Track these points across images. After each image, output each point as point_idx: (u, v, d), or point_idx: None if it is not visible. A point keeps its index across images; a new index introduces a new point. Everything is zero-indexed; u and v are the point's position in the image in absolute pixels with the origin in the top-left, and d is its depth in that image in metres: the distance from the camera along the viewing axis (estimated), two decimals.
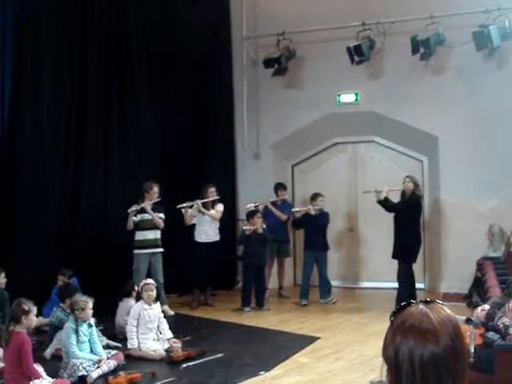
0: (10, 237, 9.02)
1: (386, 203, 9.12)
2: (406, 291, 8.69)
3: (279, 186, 10.59)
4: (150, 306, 7.07)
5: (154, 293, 7.13)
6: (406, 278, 8.93)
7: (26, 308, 5.55)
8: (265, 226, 9.46)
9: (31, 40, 9.28)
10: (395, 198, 9.18)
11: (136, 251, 9.05)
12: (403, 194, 9.09)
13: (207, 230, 9.66)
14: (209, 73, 11.45)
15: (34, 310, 5.67)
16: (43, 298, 7.90)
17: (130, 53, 10.66)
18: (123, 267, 9.08)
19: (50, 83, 9.48)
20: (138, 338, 6.92)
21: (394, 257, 9.11)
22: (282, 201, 10.49)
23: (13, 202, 9.08)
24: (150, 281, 7.30)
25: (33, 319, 5.69)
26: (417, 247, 9.09)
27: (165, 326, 7.14)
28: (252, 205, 10.09)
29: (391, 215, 9.20)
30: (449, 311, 1.62)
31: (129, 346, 6.91)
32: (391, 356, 1.58)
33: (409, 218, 8.93)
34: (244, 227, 9.67)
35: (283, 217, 10.34)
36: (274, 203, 10.38)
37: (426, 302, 1.63)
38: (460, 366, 1.57)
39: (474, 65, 9.99)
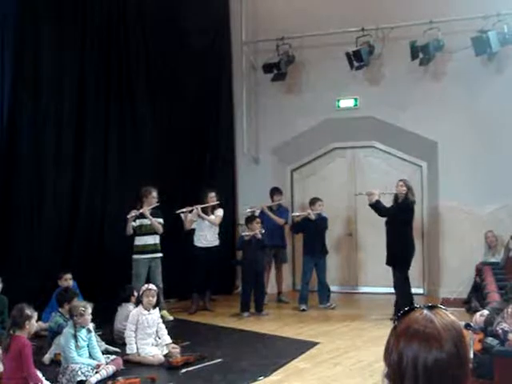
0: (9, 241, 9.00)
1: (377, 206, 9.00)
2: (405, 298, 8.60)
3: (275, 191, 10.56)
4: (148, 311, 7.06)
5: (155, 299, 7.12)
6: (402, 285, 8.81)
7: (30, 313, 5.54)
8: (263, 231, 9.45)
9: (31, 39, 9.28)
10: (388, 202, 9.13)
11: (135, 256, 9.03)
12: (396, 197, 8.94)
13: (206, 235, 9.65)
14: (208, 77, 11.46)
15: (35, 315, 5.67)
16: (42, 303, 7.87)
17: (129, 58, 10.66)
18: (122, 272, 9.05)
19: (49, 83, 9.47)
20: (136, 343, 6.91)
21: (388, 263, 9.03)
22: (277, 205, 10.48)
23: (11, 205, 9.06)
24: (153, 286, 7.27)
25: (34, 324, 5.69)
26: (410, 253, 8.92)
27: (163, 331, 7.11)
28: (248, 210, 10.11)
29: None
30: (453, 317, 1.62)
31: (128, 351, 6.89)
32: (394, 361, 1.58)
33: (400, 223, 8.80)
34: (242, 233, 9.69)
35: (281, 221, 10.33)
36: (269, 208, 10.37)
37: (430, 308, 1.63)
38: (463, 371, 1.57)
39: (473, 70, 10.01)
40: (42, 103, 9.40)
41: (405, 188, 8.83)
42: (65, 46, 9.75)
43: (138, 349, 6.88)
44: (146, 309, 7.05)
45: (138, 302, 7.17)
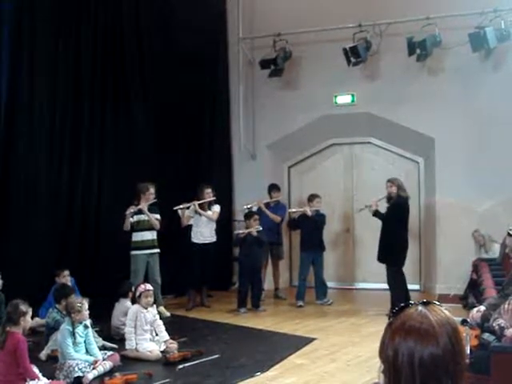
0: (5, 238, 8.98)
1: (377, 215, 9.07)
2: (399, 295, 8.56)
3: (273, 187, 10.56)
4: (146, 309, 7.07)
5: (153, 299, 7.17)
6: (395, 282, 8.77)
7: (24, 309, 5.55)
8: (260, 228, 9.43)
9: (26, 39, 9.25)
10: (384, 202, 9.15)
11: (134, 252, 9.00)
12: (389, 197, 8.96)
13: (203, 231, 9.63)
14: (205, 74, 11.45)
15: (30, 311, 5.68)
16: (38, 300, 7.87)
17: (124, 53, 10.64)
18: (120, 268, 9.05)
19: (44, 83, 9.46)
20: (135, 339, 6.92)
21: (378, 260, 9.01)
22: (275, 202, 10.47)
23: (8, 203, 9.05)
24: (150, 287, 7.27)
25: (29, 320, 5.70)
26: (403, 250, 8.89)
27: (161, 328, 7.12)
28: (246, 206, 10.10)
29: None
30: (447, 313, 1.62)
31: (127, 346, 6.90)
32: (390, 357, 1.58)
33: (395, 221, 8.81)
34: (238, 230, 9.69)
35: (277, 218, 10.32)
36: (267, 205, 10.36)
37: (424, 304, 1.63)
38: (459, 367, 1.57)
39: (470, 66, 10.01)
40: (39, 102, 9.37)
41: (394, 187, 8.85)
42: (61, 45, 9.73)
43: (136, 344, 6.89)
44: (144, 308, 7.06)
45: (134, 301, 7.17)
